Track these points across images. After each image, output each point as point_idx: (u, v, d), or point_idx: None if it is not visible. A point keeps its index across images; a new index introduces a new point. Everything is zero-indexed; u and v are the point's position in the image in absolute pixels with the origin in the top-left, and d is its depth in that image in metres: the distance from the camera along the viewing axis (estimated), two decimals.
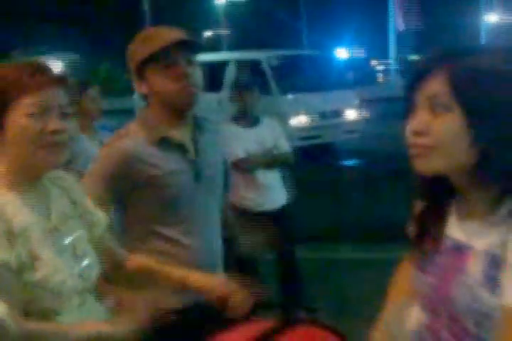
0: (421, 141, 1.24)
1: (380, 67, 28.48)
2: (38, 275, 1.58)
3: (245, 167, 4.51)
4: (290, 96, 11.45)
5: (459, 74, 1.21)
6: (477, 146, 1.20)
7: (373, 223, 6.20)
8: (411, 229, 1.37)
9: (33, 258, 1.58)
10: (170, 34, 2.14)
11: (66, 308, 1.64)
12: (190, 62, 2.14)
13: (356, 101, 12.33)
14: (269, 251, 4.71)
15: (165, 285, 2.00)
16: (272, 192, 4.63)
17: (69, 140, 1.66)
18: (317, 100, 11.29)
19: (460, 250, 1.26)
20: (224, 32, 20.51)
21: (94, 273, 1.76)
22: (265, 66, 11.60)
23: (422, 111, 1.25)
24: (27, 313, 1.57)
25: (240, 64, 11.94)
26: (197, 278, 2.01)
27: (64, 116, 1.65)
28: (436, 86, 1.23)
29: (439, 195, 1.33)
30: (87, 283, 1.73)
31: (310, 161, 9.92)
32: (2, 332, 1.30)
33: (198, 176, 2.20)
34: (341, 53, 18.27)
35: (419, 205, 1.37)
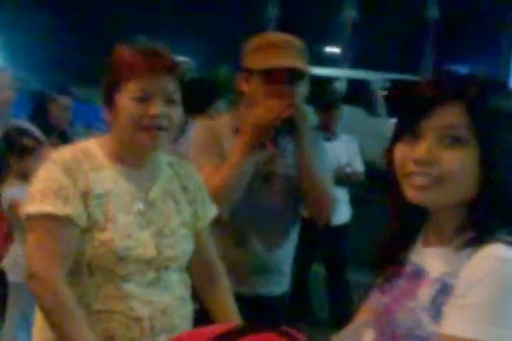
0: (428, 170, 1.16)
1: None
2: (106, 234, 1.68)
3: None
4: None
5: (482, 110, 1.15)
6: (484, 183, 1.15)
7: None
8: (378, 253, 1.36)
9: (107, 220, 1.69)
10: (285, 58, 2.22)
11: (136, 279, 1.71)
12: (292, 84, 2.22)
13: None
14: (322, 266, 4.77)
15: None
16: (338, 208, 4.66)
17: (172, 125, 1.71)
18: None
19: (417, 275, 1.24)
20: (347, 49, 20.55)
21: (175, 253, 1.78)
22: (375, 87, 11.65)
23: (428, 140, 1.17)
24: (91, 270, 1.69)
25: (350, 82, 12.03)
26: None
27: (169, 102, 1.71)
28: (453, 117, 1.15)
29: (411, 222, 1.30)
30: (164, 259, 1.75)
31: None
32: None
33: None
34: None
35: (388, 231, 1.35)
